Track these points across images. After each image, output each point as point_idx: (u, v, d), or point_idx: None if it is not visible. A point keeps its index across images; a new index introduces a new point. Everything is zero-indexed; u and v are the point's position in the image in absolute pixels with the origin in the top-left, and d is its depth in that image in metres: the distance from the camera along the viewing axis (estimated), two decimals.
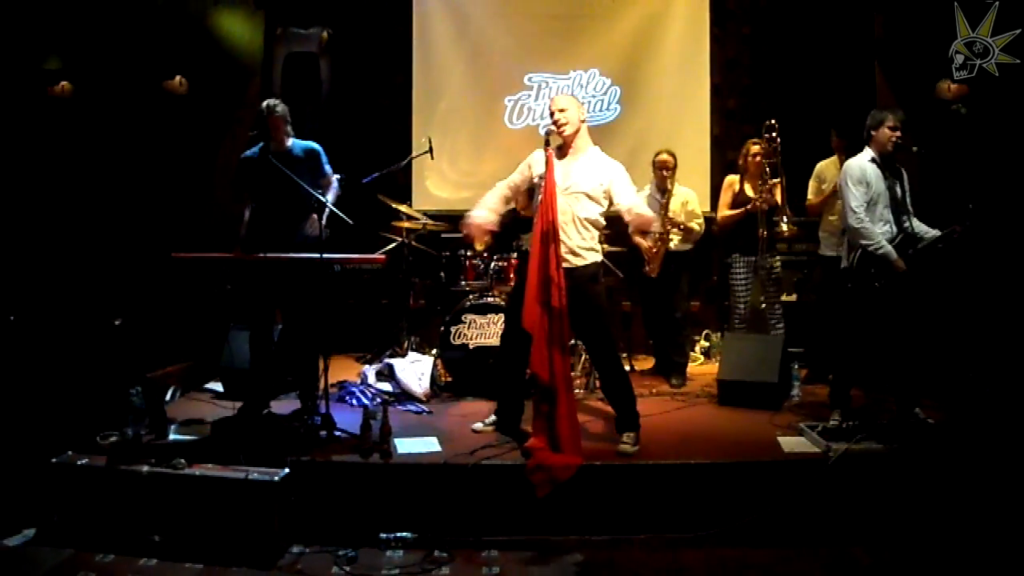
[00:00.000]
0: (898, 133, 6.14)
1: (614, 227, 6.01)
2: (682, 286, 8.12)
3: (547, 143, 5.97)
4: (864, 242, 6.05)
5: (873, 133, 6.25)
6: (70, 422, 5.82)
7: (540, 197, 5.83)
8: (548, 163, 5.85)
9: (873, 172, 6.16)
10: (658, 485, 5.47)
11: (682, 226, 7.84)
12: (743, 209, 7.71)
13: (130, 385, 5.91)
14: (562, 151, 6.01)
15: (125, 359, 6.59)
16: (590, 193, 5.86)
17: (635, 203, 5.93)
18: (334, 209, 6.10)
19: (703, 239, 8.22)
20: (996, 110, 7.26)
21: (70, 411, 5.95)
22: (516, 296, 5.98)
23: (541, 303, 5.63)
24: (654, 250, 7.83)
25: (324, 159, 6.48)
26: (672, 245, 7.90)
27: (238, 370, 6.86)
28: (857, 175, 6.16)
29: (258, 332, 6.35)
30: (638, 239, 7.79)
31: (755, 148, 7.79)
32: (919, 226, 6.17)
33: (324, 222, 6.09)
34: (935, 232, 6.13)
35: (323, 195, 6.19)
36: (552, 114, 5.96)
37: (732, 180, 8.01)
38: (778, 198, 7.61)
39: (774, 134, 7.55)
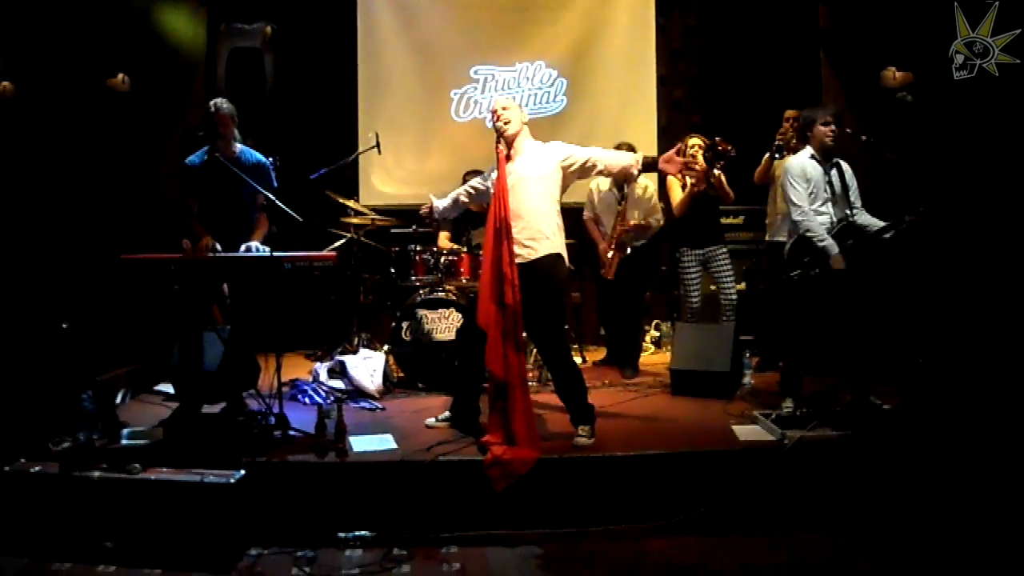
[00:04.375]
0: (832, 127, 6.26)
1: (566, 219, 6.01)
2: (638, 279, 8.16)
3: (498, 140, 5.95)
4: (808, 234, 6.16)
5: (809, 133, 6.40)
6: (21, 429, 5.73)
7: (492, 193, 5.85)
8: (499, 160, 5.85)
9: (812, 168, 6.30)
10: (616, 476, 5.49)
11: (635, 231, 7.89)
12: (691, 189, 7.72)
13: (80, 389, 5.81)
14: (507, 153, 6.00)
15: (74, 363, 6.49)
16: (543, 175, 5.87)
17: (600, 154, 6.02)
18: (282, 206, 6.05)
19: (656, 232, 8.23)
20: (949, 100, 7.33)
21: (21, 417, 5.86)
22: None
23: (495, 300, 5.65)
24: (609, 255, 7.87)
25: (272, 176, 6.45)
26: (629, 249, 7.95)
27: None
28: (797, 171, 6.30)
29: (190, 334, 6.23)
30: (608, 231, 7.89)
31: (693, 141, 7.81)
32: (867, 219, 6.27)
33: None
34: (881, 223, 6.20)
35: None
36: (495, 114, 5.97)
37: (676, 178, 8.01)
38: (729, 190, 7.68)
39: (719, 148, 7.56)
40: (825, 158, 6.31)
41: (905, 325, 7.27)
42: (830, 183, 6.26)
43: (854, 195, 6.34)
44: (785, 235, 7.50)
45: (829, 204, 6.27)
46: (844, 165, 6.38)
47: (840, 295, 6.17)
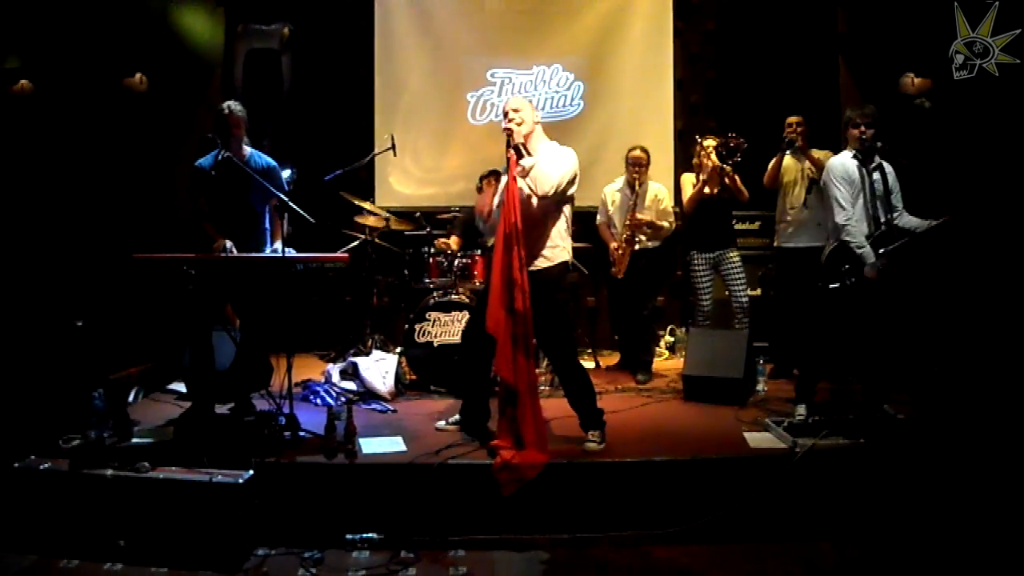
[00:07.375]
0: (861, 128, 6.22)
1: (579, 223, 5.99)
2: (649, 283, 8.13)
3: (508, 144, 5.91)
4: (847, 238, 6.13)
5: (846, 133, 6.36)
6: (32, 426, 5.75)
7: (502, 199, 5.82)
8: (509, 165, 5.82)
9: (854, 168, 6.25)
10: (625, 482, 5.48)
11: (647, 228, 7.86)
12: (700, 184, 7.71)
13: (92, 387, 5.83)
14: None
15: (87, 361, 6.51)
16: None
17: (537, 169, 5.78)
18: (294, 207, 6.05)
19: (670, 235, 8.20)
20: (965, 107, 7.29)
21: (32, 414, 5.88)
22: (484, 297, 5.95)
23: (505, 306, 5.62)
24: (619, 251, 7.84)
25: (282, 179, 6.44)
26: (638, 244, 7.91)
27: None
28: (840, 172, 6.26)
29: (201, 334, 6.24)
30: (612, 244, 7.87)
31: (708, 142, 7.76)
32: (909, 220, 6.25)
33: (286, 223, 6.10)
34: (926, 223, 6.18)
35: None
36: (506, 114, 5.92)
37: (689, 177, 7.99)
38: (743, 189, 7.64)
39: (731, 143, 7.53)
40: (866, 158, 6.26)
41: (922, 334, 7.23)
42: (871, 184, 6.21)
43: (896, 197, 6.29)
44: (798, 240, 7.53)
45: (868, 208, 6.20)
46: (887, 167, 6.30)
47: (871, 305, 6.14)
